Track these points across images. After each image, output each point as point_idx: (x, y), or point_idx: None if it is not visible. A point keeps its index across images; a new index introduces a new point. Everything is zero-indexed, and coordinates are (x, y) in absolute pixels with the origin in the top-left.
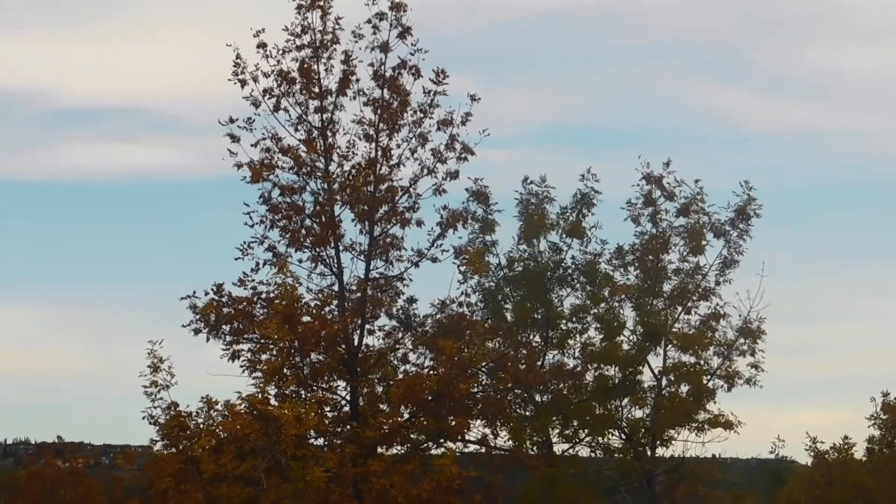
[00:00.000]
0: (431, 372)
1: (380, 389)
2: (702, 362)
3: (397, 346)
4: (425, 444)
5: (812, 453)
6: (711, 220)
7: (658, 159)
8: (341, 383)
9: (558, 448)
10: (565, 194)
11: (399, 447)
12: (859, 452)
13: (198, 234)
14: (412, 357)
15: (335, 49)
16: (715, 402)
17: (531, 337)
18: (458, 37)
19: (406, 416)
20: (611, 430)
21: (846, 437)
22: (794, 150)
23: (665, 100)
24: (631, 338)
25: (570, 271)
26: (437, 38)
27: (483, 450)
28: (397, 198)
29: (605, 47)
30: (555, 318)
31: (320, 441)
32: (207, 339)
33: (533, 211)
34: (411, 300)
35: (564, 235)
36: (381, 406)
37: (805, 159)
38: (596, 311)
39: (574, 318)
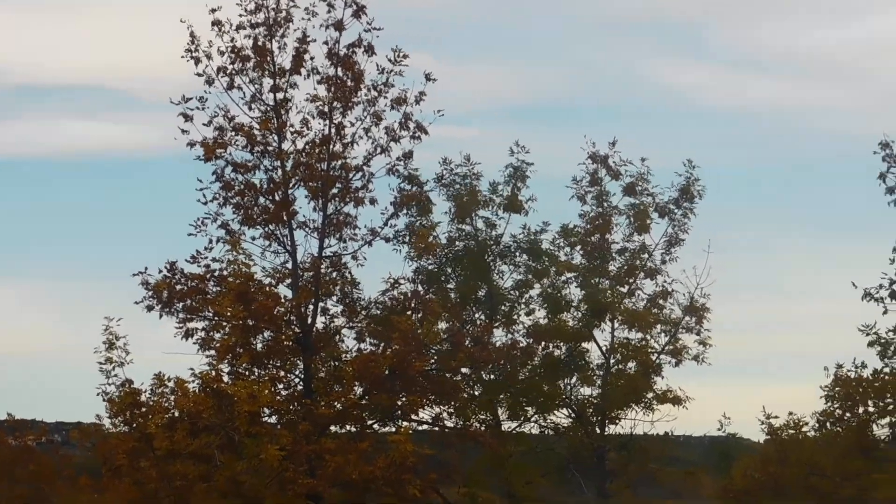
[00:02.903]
0: (386, 350)
1: (332, 367)
2: (649, 338)
3: (351, 324)
4: (379, 422)
5: (766, 429)
6: (656, 200)
7: (615, 136)
8: (296, 361)
9: (507, 426)
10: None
11: (353, 426)
12: (809, 427)
13: (153, 211)
14: (365, 336)
15: (289, 27)
16: (663, 378)
17: (476, 315)
18: (417, 10)
19: (360, 393)
20: (559, 408)
21: (791, 413)
22: (750, 127)
23: (623, 76)
24: (576, 314)
25: (511, 248)
26: (395, 12)
27: (437, 428)
28: (351, 175)
29: (565, 23)
30: (498, 296)
31: (274, 419)
32: (160, 316)
33: (459, 190)
34: (354, 283)
35: (501, 210)
36: (335, 386)
37: (761, 136)
38: (539, 286)
39: (518, 294)
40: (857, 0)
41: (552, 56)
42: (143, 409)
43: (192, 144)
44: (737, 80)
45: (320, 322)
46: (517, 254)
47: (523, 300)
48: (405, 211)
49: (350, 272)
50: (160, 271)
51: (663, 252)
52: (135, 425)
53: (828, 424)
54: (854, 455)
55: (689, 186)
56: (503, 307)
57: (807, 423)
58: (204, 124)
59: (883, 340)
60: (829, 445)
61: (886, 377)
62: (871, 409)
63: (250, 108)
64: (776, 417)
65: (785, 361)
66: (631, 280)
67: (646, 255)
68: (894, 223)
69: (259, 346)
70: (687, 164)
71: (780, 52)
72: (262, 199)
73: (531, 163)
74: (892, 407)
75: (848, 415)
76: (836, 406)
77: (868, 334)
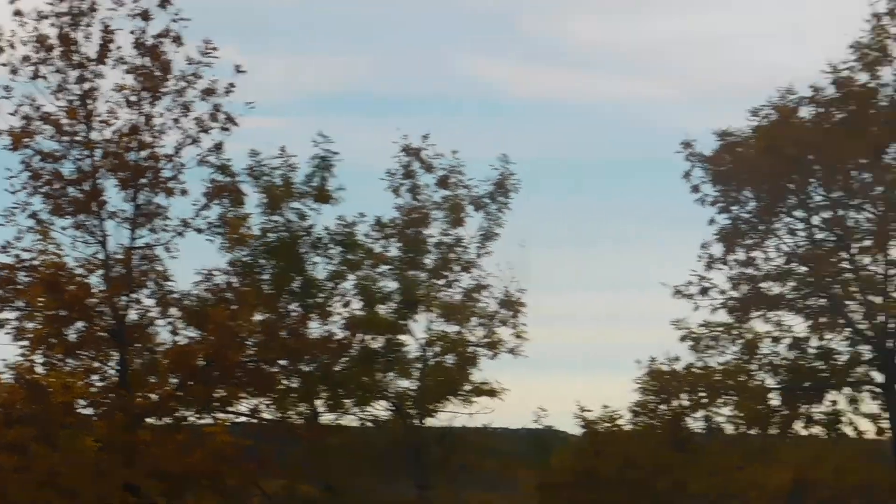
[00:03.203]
0: (202, 341)
1: (147, 358)
2: (465, 331)
3: (165, 316)
4: (196, 414)
5: (581, 422)
6: (471, 193)
7: (425, 129)
8: (110, 352)
9: (325, 418)
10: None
11: (169, 417)
12: (624, 420)
13: None
14: (180, 327)
15: (94, 16)
16: (479, 370)
17: (291, 307)
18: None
19: (176, 384)
20: (378, 401)
21: (606, 406)
22: (561, 121)
23: (432, 69)
24: (391, 306)
25: (324, 240)
26: (205, 3)
27: (254, 420)
28: (161, 165)
29: (378, 13)
30: (313, 287)
31: (90, 410)
32: None
33: (269, 181)
34: (166, 275)
35: (312, 201)
36: (151, 377)
37: (572, 130)
38: (354, 278)
39: (333, 285)
40: None
41: (366, 47)
42: None
43: None
44: (551, 73)
45: (134, 313)
46: (331, 245)
47: (338, 291)
48: (217, 202)
49: (163, 263)
50: None
51: (478, 245)
52: None
53: (642, 417)
54: (667, 448)
55: (504, 181)
56: (318, 298)
57: (621, 416)
58: (10, 113)
59: (694, 335)
60: (643, 438)
61: (698, 371)
62: (684, 402)
63: (57, 98)
64: (590, 410)
65: (600, 354)
66: (447, 273)
67: (461, 249)
68: (702, 221)
69: (72, 336)
70: (502, 158)
71: (594, 46)
72: (71, 189)
73: (337, 152)
74: (705, 400)
75: (662, 407)
76: (649, 399)
77: (680, 329)
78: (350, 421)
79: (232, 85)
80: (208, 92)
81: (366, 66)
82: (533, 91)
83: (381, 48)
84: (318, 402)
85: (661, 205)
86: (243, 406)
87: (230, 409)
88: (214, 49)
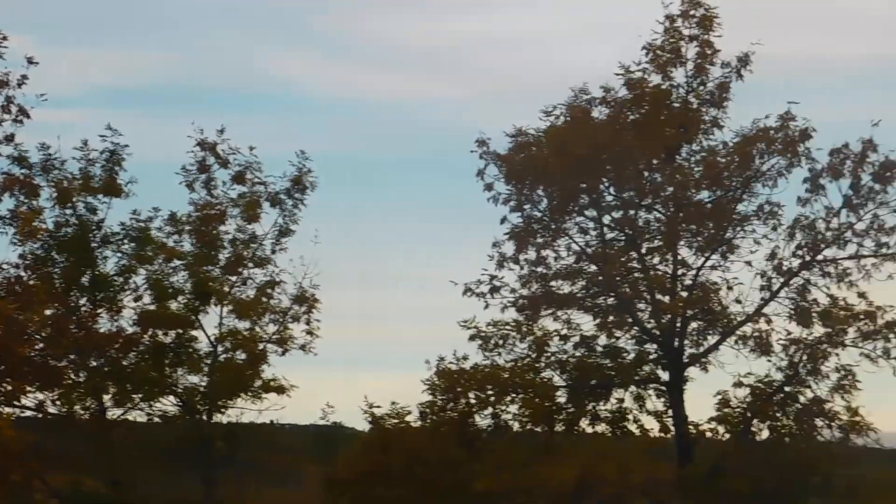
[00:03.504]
0: None
1: None
2: (257, 329)
3: None
4: None
5: (369, 419)
6: (268, 189)
7: (223, 124)
8: None
9: (112, 413)
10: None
11: None
12: (412, 417)
13: None
14: None
15: None
16: (270, 366)
17: (79, 301)
18: None
19: None
20: (166, 396)
21: (394, 403)
22: (360, 118)
23: (229, 64)
24: (182, 301)
25: (118, 235)
26: None
27: (40, 415)
28: None
29: (176, 7)
30: (102, 282)
31: None
32: None
33: (60, 174)
34: None
35: (102, 195)
36: None
37: (371, 127)
38: (145, 272)
39: (121, 279)
40: None
41: (167, 42)
42: None
43: None
44: (351, 71)
45: None
46: (123, 240)
47: (129, 286)
48: (11, 194)
49: None
50: None
51: (274, 242)
52: None
53: (431, 416)
54: (455, 445)
55: (302, 177)
56: (108, 293)
57: (410, 413)
58: None
59: (483, 334)
60: (431, 435)
61: (487, 369)
62: (472, 400)
63: None
64: (378, 407)
65: (392, 352)
66: (240, 269)
67: (255, 245)
68: (495, 220)
69: None
70: (300, 154)
71: (393, 45)
72: None
73: (127, 145)
74: (493, 398)
75: (451, 404)
76: (438, 398)
77: (469, 328)
78: (137, 416)
79: (25, 77)
80: (0, 84)
81: (167, 61)
82: (333, 88)
83: (182, 43)
84: (105, 397)
85: (456, 203)
86: (29, 400)
87: (16, 403)
88: (4, 38)
